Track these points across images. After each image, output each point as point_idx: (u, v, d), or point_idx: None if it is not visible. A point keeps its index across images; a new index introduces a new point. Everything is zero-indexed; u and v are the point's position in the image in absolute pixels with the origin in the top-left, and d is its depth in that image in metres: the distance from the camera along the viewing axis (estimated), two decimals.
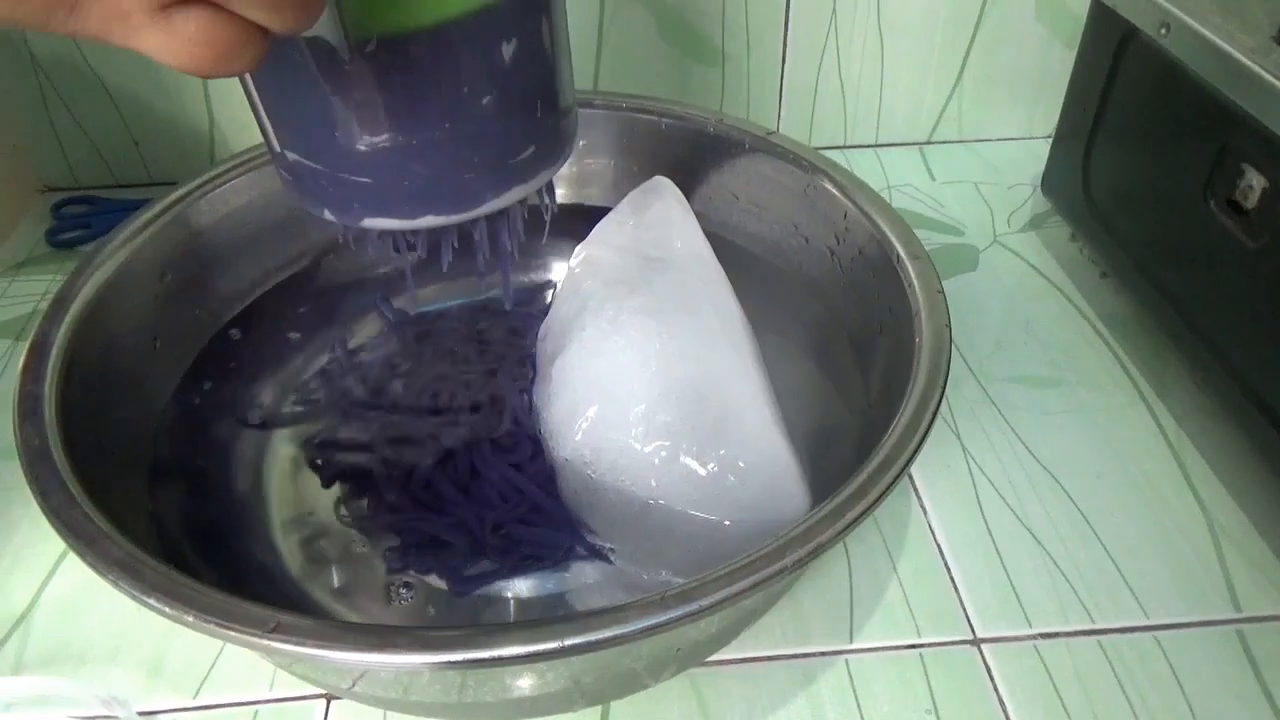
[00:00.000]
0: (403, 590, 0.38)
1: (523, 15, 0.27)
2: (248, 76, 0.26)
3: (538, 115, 0.29)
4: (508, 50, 0.26)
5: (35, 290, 0.55)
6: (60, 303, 0.37)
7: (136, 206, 0.42)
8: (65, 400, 0.34)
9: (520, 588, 0.38)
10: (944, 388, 0.33)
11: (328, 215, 0.29)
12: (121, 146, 0.62)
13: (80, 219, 0.60)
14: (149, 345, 0.40)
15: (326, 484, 0.41)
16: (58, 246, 0.58)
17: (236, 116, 0.62)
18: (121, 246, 0.40)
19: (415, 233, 0.30)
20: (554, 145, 0.30)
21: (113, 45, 0.19)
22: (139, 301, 0.40)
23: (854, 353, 0.41)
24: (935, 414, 0.32)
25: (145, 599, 0.27)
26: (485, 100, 0.27)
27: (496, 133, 0.28)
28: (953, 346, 0.36)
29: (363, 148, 0.26)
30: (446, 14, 0.25)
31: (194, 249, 0.43)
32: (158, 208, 0.42)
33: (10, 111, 0.60)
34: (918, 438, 0.31)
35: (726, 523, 0.37)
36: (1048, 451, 0.44)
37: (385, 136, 0.26)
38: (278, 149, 0.28)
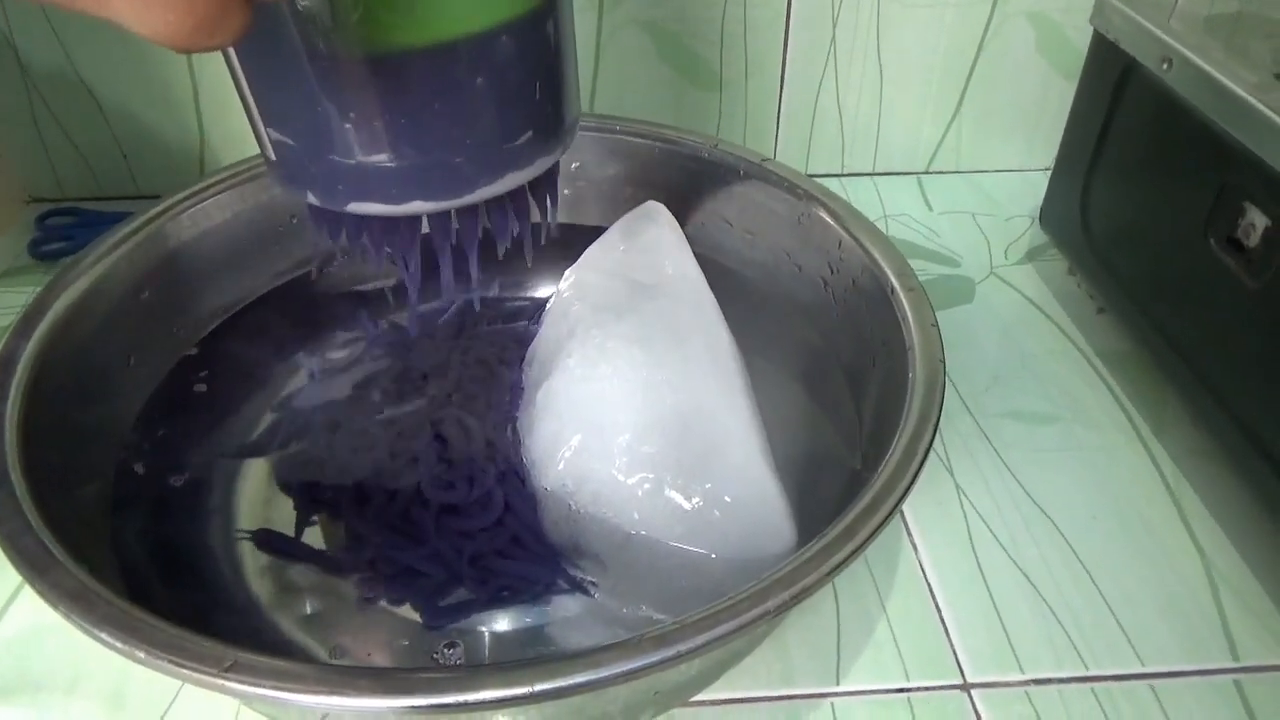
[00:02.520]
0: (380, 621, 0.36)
1: None
2: (230, 49, 0.25)
3: (536, 98, 0.27)
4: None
5: (15, 303, 0.54)
6: (30, 317, 0.36)
7: (121, 219, 0.41)
8: (28, 419, 0.32)
9: (497, 621, 0.36)
10: (936, 426, 0.32)
11: (311, 199, 0.27)
12: (110, 159, 0.61)
13: (64, 230, 0.59)
14: (122, 363, 0.39)
15: (300, 510, 0.40)
16: (41, 258, 0.57)
17: (228, 131, 0.61)
18: (98, 260, 0.39)
19: (409, 247, 0.29)
20: (553, 130, 0.28)
21: (86, 14, 0.17)
22: (114, 317, 0.39)
23: (847, 383, 0.40)
24: (927, 454, 0.31)
25: (96, 632, 0.26)
26: (479, 80, 0.25)
27: (491, 115, 0.26)
28: (947, 380, 0.35)
29: (349, 127, 0.25)
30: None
31: (174, 264, 0.42)
32: (138, 221, 0.41)
33: None
34: (909, 477, 0.30)
35: (712, 556, 0.36)
36: (1042, 490, 0.43)
37: (372, 116, 0.25)
38: (261, 127, 0.27)
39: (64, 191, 0.63)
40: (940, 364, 0.35)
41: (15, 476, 0.30)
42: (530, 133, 0.27)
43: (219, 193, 0.43)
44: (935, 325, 0.36)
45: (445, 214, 0.29)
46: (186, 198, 0.43)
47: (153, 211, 0.42)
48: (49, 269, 0.56)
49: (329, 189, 0.27)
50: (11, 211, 0.61)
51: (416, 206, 0.27)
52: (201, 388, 0.43)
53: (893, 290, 0.38)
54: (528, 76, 0.27)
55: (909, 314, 0.37)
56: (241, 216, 0.44)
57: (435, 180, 0.26)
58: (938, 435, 0.32)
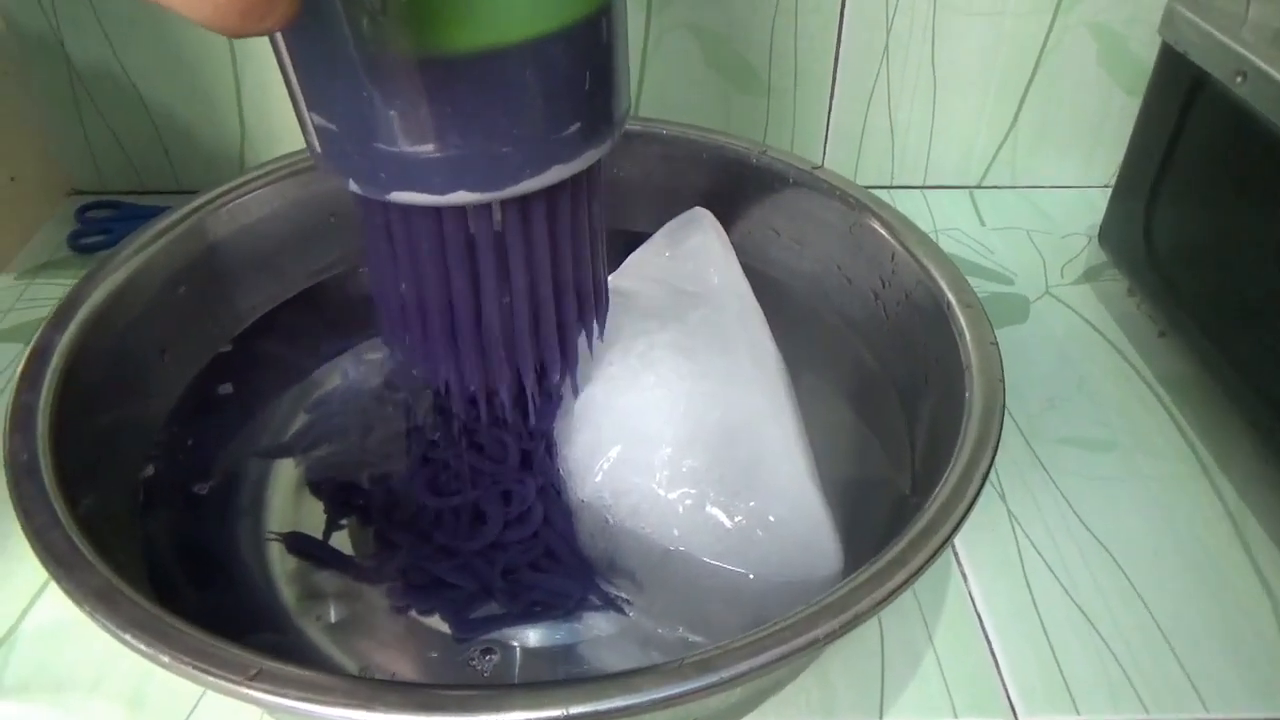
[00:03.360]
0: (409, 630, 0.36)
1: None
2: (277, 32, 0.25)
3: (585, 88, 0.26)
4: None
5: (53, 294, 0.54)
6: (66, 309, 0.36)
7: (161, 213, 0.41)
8: (61, 412, 0.32)
9: (528, 636, 0.36)
10: (995, 450, 0.31)
11: (353, 186, 0.27)
12: (151, 153, 0.62)
13: (103, 224, 0.59)
14: (156, 358, 0.39)
15: (330, 513, 0.40)
16: (79, 251, 0.58)
17: (269, 128, 0.61)
18: (135, 254, 0.39)
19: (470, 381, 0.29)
20: (601, 123, 0.28)
21: None
22: (150, 311, 0.39)
23: (899, 403, 0.39)
24: (984, 481, 0.30)
25: (120, 634, 0.25)
26: (530, 76, 0.25)
27: (539, 107, 0.25)
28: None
29: (394, 115, 0.25)
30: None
31: (211, 260, 0.42)
32: (176, 215, 0.41)
33: (44, 115, 0.60)
34: (964, 505, 0.29)
35: (751, 577, 0.35)
36: (1100, 521, 0.42)
37: (419, 107, 0.24)
38: (305, 110, 0.26)
39: (105, 185, 0.63)
40: (999, 385, 0.34)
41: (46, 469, 0.30)
42: (578, 124, 0.27)
43: (258, 188, 0.43)
44: (994, 344, 0.35)
45: (488, 207, 0.28)
46: (225, 192, 0.43)
47: (191, 206, 0.42)
48: (87, 262, 0.57)
49: (371, 176, 0.26)
50: (52, 202, 0.62)
51: (460, 197, 0.26)
52: (235, 386, 0.42)
53: (949, 306, 0.37)
54: (578, 70, 0.26)
55: (966, 331, 0.36)
56: (280, 213, 0.44)
57: (480, 170, 0.26)
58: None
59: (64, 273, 0.56)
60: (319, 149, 0.27)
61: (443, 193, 0.26)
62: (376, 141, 0.25)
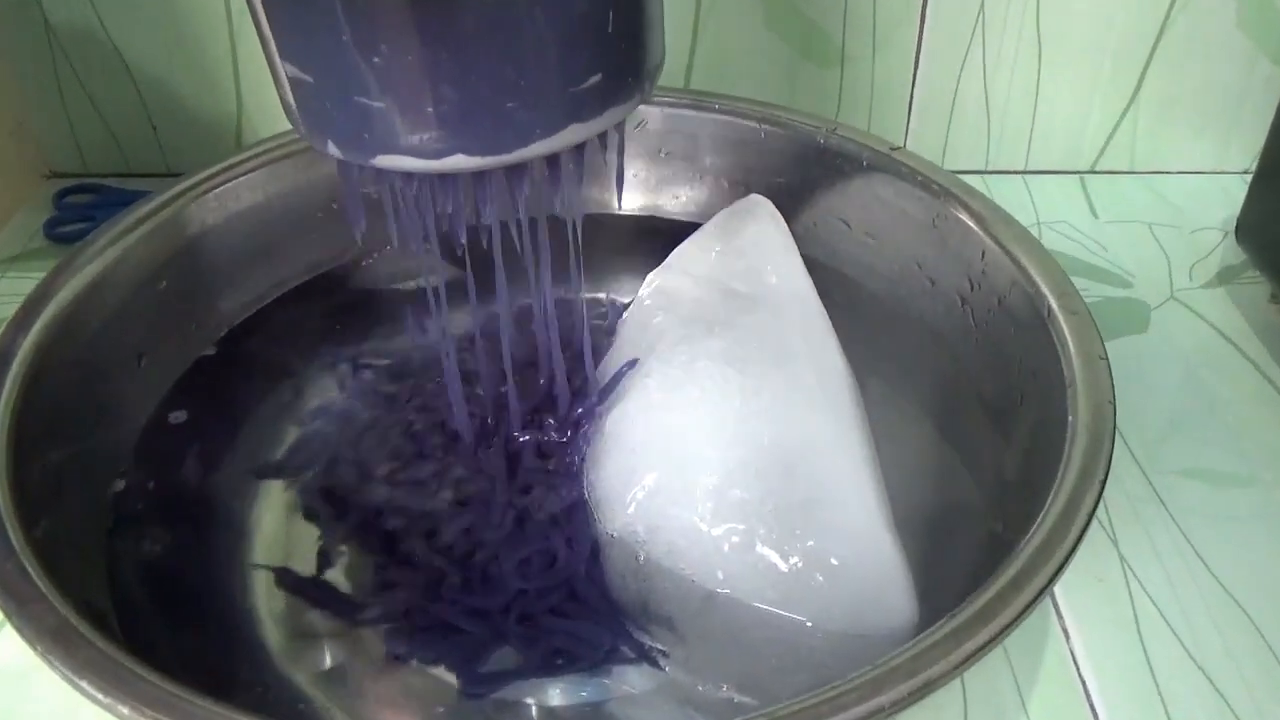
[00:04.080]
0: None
1: None
2: None
3: (609, 31, 0.25)
4: None
5: (25, 290, 0.55)
6: (31, 307, 0.37)
7: (140, 199, 0.42)
8: (21, 423, 0.33)
9: (548, 693, 0.36)
10: (1103, 482, 0.31)
11: (332, 150, 0.26)
12: (138, 130, 0.63)
13: (84, 210, 0.60)
14: (132, 362, 0.40)
15: (325, 542, 0.40)
16: (57, 240, 0.59)
17: (268, 104, 0.62)
18: (111, 244, 0.40)
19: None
20: (628, 74, 0.26)
21: None
22: (126, 310, 0.40)
23: (989, 423, 0.39)
24: (1090, 519, 0.30)
25: (76, 680, 0.25)
26: (539, 8, 0.24)
27: (552, 51, 0.24)
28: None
29: (378, 60, 0.24)
30: None
31: (196, 251, 0.43)
32: (156, 201, 0.42)
33: (18, 85, 0.61)
34: (1066, 548, 0.29)
35: (809, 625, 0.35)
36: (1231, 569, 0.41)
37: (405, 47, 0.23)
38: (277, 61, 0.25)
39: (87, 166, 0.64)
40: (1109, 406, 0.33)
41: (2, 493, 0.30)
42: (599, 75, 0.26)
43: (250, 171, 0.44)
44: (1104, 358, 0.35)
45: (491, 176, 0.27)
46: (213, 175, 0.43)
47: (175, 190, 0.42)
48: (64, 252, 0.58)
49: (352, 137, 0.25)
50: (29, 186, 0.63)
51: (457, 162, 0.25)
52: (219, 395, 0.43)
53: (1050, 312, 0.37)
54: (600, 9, 0.25)
55: (1070, 342, 0.36)
56: (275, 199, 0.45)
57: (481, 130, 0.25)
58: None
59: (39, 264, 0.57)
60: (293, 105, 0.26)
61: (436, 157, 0.25)
62: (357, 95, 0.24)
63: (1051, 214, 0.61)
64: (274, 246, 0.45)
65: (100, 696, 0.25)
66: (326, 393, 0.46)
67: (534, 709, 0.35)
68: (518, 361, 0.43)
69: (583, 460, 0.41)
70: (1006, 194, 0.62)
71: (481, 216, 0.29)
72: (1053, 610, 0.39)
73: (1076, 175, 0.64)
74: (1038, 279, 0.38)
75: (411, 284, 0.48)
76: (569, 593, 0.37)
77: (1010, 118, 0.62)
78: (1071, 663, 0.38)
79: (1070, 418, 0.33)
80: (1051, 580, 0.28)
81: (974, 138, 0.63)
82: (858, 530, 0.35)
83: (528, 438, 0.42)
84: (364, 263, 0.47)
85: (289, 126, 0.34)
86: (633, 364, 0.41)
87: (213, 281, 0.43)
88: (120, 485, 0.37)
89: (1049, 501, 0.31)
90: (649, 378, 0.39)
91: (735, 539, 0.36)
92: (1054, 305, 0.37)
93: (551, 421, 0.42)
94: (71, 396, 0.36)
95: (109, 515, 0.36)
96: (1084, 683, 0.37)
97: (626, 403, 0.39)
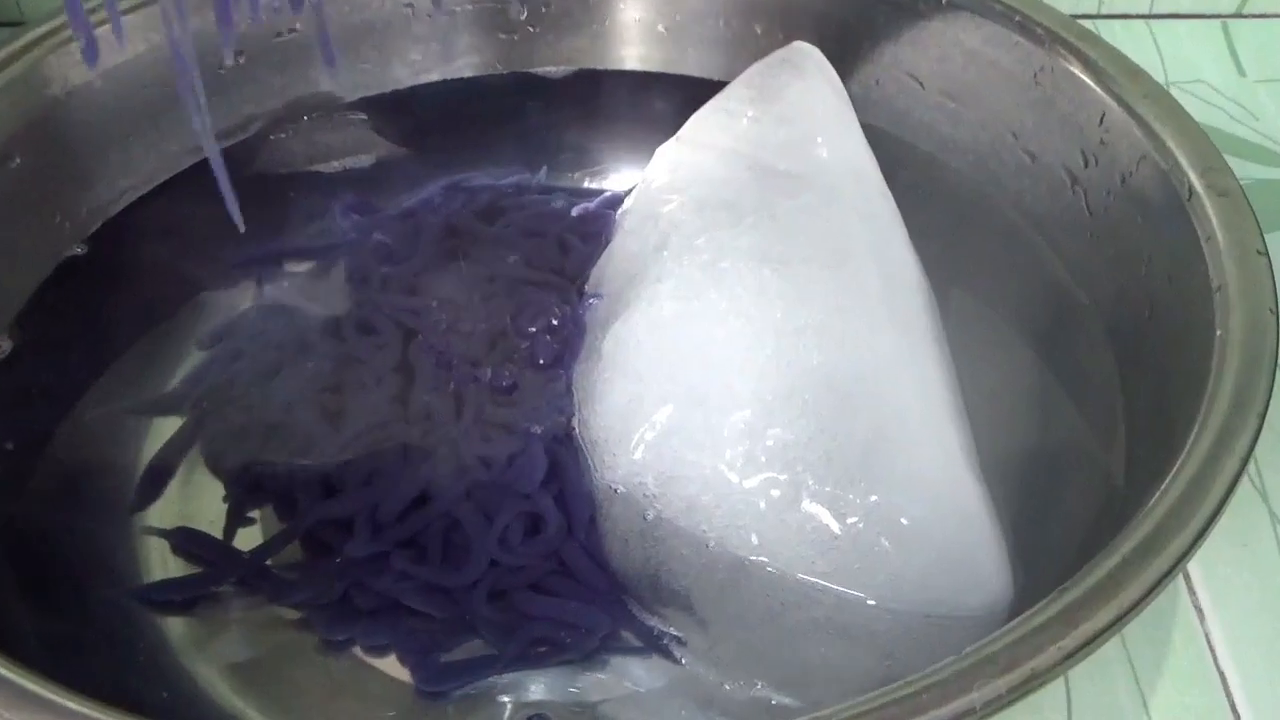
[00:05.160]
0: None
1: None
2: None
3: None
4: None
5: None
6: None
7: None
8: None
9: (529, 689, 0.36)
10: (1262, 419, 0.31)
11: None
12: None
13: None
14: None
15: (234, 501, 0.40)
16: None
17: None
18: None
19: None
20: None
21: None
22: None
23: (1106, 342, 0.39)
24: (1244, 465, 0.30)
25: None
26: None
27: None
28: None
29: None
30: None
31: (56, 122, 0.42)
32: (4, 53, 0.41)
33: None
34: (1211, 504, 0.29)
35: (870, 603, 0.35)
36: None
37: None
38: None
39: None
40: (1270, 317, 0.33)
41: None
42: None
43: (131, 10, 0.43)
44: (1263, 253, 0.34)
45: None
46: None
47: (24, 41, 0.42)
48: None
49: None
50: None
51: None
52: (92, 305, 0.43)
53: (1191, 194, 0.37)
54: None
55: (1218, 233, 0.35)
56: (159, 52, 0.44)
57: None
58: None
59: None
60: None
61: None
62: None
63: (1184, 71, 0.61)
64: (157, 117, 0.45)
65: None
66: (233, 306, 0.46)
67: (507, 709, 0.35)
68: (482, 262, 0.43)
69: (570, 389, 0.41)
70: (1126, 42, 0.61)
71: None
72: (1184, 587, 0.40)
73: (1218, 19, 0.64)
74: (1175, 151, 0.38)
75: (337, 163, 0.49)
76: (555, 562, 0.38)
77: None
78: (1206, 648, 0.38)
79: (1218, 332, 0.33)
80: (1192, 547, 0.28)
81: None
82: (935, 480, 0.35)
83: (499, 365, 0.42)
84: (276, 136, 0.47)
85: None
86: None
87: (81, 159, 0.43)
88: None
89: (1188, 444, 0.30)
90: (660, 283, 0.39)
91: (775, 492, 0.35)
92: (1197, 185, 0.37)
93: (528, 334, 0.43)
94: None
95: None
96: (1222, 676, 0.37)
97: (631, 316, 0.39)
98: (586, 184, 0.51)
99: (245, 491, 0.40)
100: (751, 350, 0.37)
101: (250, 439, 0.41)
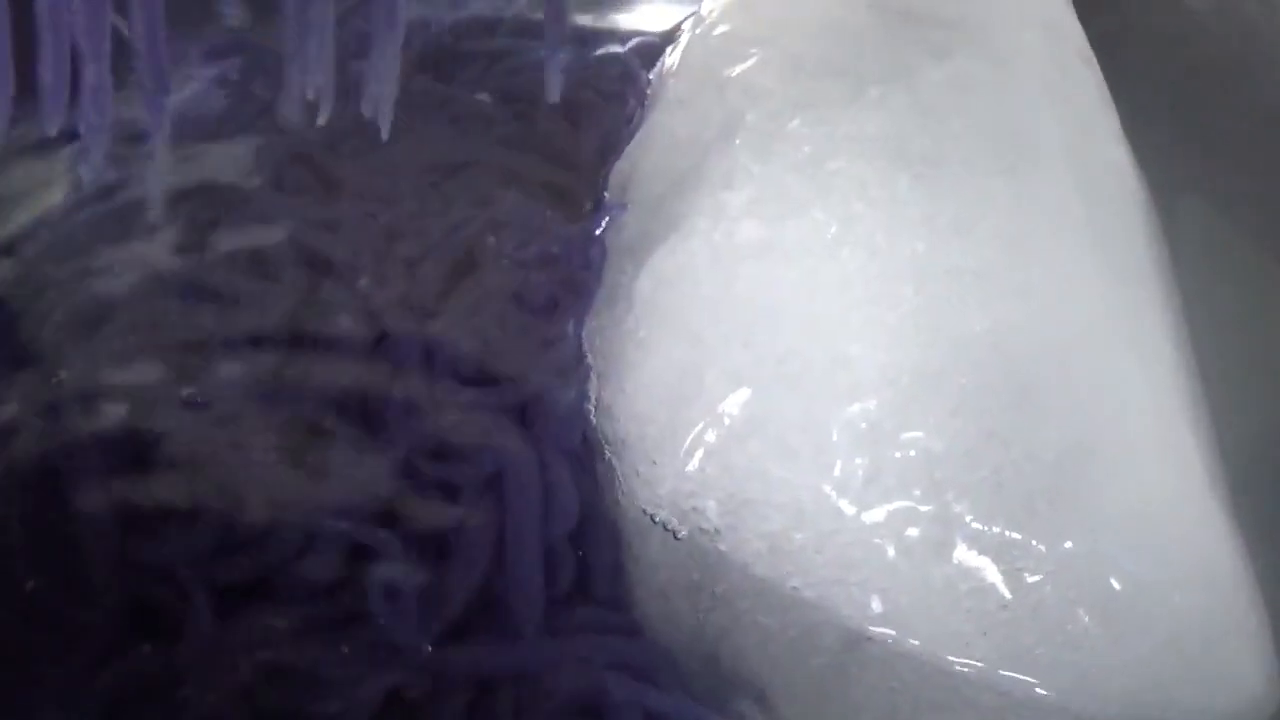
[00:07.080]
0: None
1: None
2: None
3: None
4: None
5: None
6: None
7: None
8: None
9: None
10: None
11: None
12: None
13: None
14: None
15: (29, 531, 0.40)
16: None
17: None
18: None
19: None
20: None
21: None
22: None
23: None
24: None
25: None
26: None
27: None
28: None
29: None
30: None
31: None
32: None
33: None
34: None
35: (1056, 702, 0.36)
36: None
37: None
38: None
39: None
40: None
41: None
42: None
43: None
44: None
45: None
46: None
47: None
48: None
49: None
50: None
51: None
52: None
53: None
54: None
55: None
56: None
57: None
58: None
59: None
60: None
61: None
62: None
63: None
64: None
65: None
66: (42, 198, 0.46)
67: None
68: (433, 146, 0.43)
69: (582, 357, 0.42)
70: None
71: None
72: None
73: None
74: None
75: None
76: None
77: None
78: None
79: None
80: None
81: None
82: (1164, 519, 0.36)
83: (461, 321, 0.43)
84: None
85: None
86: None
87: None
88: None
89: None
90: (729, 190, 0.39)
91: (911, 532, 0.36)
92: None
93: (509, 267, 0.43)
94: None
95: None
96: None
97: (680, 243, 0.39)
98: (594, 23, 0.51)
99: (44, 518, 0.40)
100: (877, 304, 0.37)
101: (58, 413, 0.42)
